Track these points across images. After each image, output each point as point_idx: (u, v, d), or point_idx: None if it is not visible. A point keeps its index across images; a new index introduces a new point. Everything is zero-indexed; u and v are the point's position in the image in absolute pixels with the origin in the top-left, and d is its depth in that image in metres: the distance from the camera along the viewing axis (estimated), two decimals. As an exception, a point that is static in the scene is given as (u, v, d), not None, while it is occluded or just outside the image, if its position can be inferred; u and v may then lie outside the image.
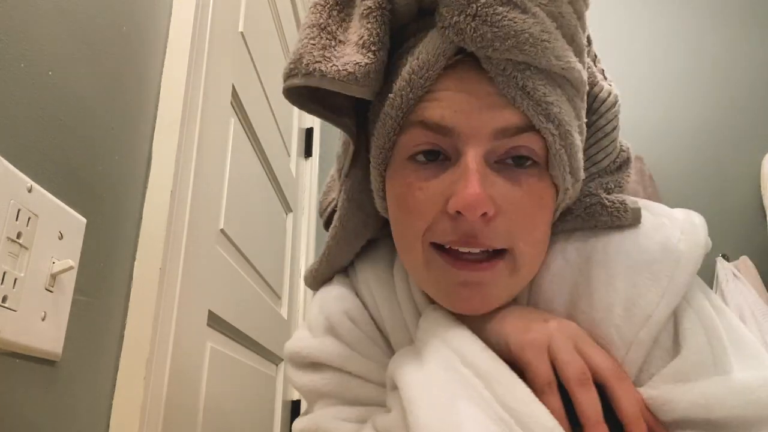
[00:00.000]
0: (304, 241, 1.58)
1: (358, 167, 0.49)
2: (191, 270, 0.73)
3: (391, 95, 0.41)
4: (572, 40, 0.41)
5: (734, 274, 1.45)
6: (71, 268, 0.48)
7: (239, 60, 1.00)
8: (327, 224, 0.59)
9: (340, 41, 0.42)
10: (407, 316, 0.50)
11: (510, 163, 0.41)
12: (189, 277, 0.72)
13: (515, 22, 0.37)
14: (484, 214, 0.38)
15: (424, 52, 0.40)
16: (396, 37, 0.43)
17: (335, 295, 0.53)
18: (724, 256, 1.49)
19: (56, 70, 0.50)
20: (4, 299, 0.41)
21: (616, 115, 0.47)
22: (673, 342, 0.42)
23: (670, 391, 0.39)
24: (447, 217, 0.40)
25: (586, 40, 0.45)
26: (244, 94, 1.02)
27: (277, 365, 1.31)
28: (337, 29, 0.42)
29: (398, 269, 0.52)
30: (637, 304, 0.42)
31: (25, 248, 0.44)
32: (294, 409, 1.40)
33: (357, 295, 0.54)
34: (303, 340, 0.52)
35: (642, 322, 0.41)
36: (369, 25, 0.41)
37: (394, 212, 0.45)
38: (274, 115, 1.29)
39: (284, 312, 1.37)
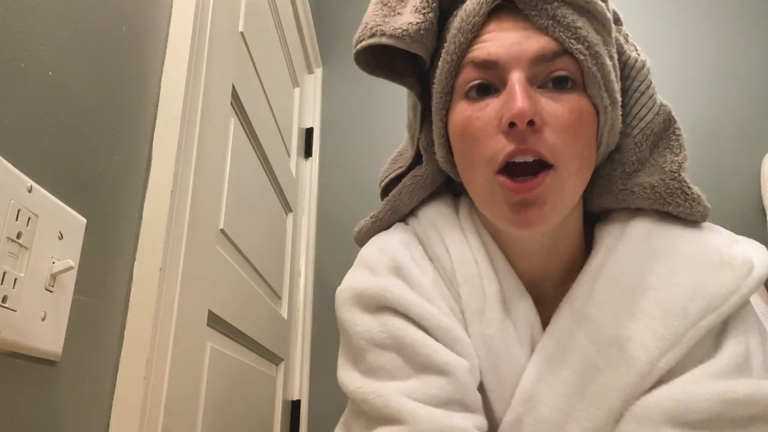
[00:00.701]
0: (304, 241, 1.58)
1: (427, 126, 0.56)
2: (191, 270, 0.73)
3: (445, 44, 0.50)
4: None
5: (734, 274, 1.45)
6: (71, 268, 0.48)
7: (239, 60, 1.00)
8: (384, 191, 0.63)
9: (398, 13, 0.51)
10: (474, 245, 0.54)
11: (551, 86, 0.47)
12: (189, 277, 0.72)
13: None
14: (532, 122, 0.44)
15: (470, 4, 0.48)
16: (444, 9, 0.51)
17: (399, 239, 0.56)
18: (724, 256, 1.48)
19: (56, 70, 0.50)
20: (4, 299, 0.41)
21: (646, 76, 0.53)
22: (713, 342, 0.46)
23: (712, 385, 0.42)
24: (502, 136, 0.46)
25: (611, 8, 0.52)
26: (244, 94, 1.02)
27: (277, 365, 1.31)
28: (396, 5, 0.52)
29: (463, 211, 0.57)
30: (708, 292, 0.46)
31: (25, 248, 0.44)
32: (294, 409, 1.40)
33: (419, 241, 0.57)
34: (364, 280, 0.52)
35: (708, 310, 0.46)
36: None
37: (458, 145, 0.50)
38: (274, 115, 1.29)
39: (284, 312, 1.37)
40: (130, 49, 0.64)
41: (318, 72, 1.82)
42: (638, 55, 0.54)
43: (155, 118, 0.69)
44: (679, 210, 0.52)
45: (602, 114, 0.49)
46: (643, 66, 0.53)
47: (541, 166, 0.46)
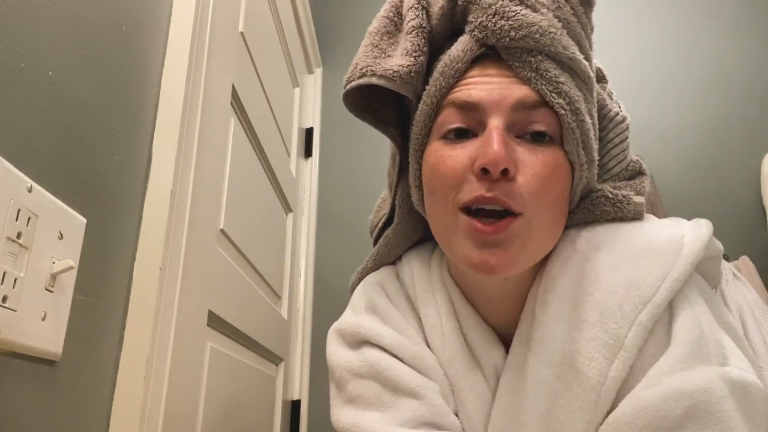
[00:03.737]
0: (304, 241, 1.58)
1: (406, 178, 0.57)
2: (191, 270, 0.73)
3: (427, 86, 0.50)
4: (578, 44, 0.49)
5: (734, 274, 1.44)
6: (71, 268, 0.48)
7: (239, 60, 1.00)
8: (376, 240, 0.65)
9: (388, 55, 0.51)
10: (437, 287, 0.56)
11: (528, 139, 0.47)
12: (189, 277, 0.72)
13: (527, 17, 0.46)
14: (506, 171, 0.43)
15: (455, 50, 0.49)
16: (433, 55, 0.52)
17: (377, 279, 0.60)
18: (724, 256, 1.48)
19: (56, 70, 0.50)
20: (4, 299, 0.41)
21: (623, 130, 0.54)
22: (665, 333, 0.44)
23: (671, 382, 0.41)
24: (474, 178, 0.45)
25: (593, 53, 0.53)
26: (244, 94, 1.02)
27: (277, 365, 1.30)
28: (387, 47, 0.52)
29: (435, 258, 0.59)
30: (639, 285, 0.45)
31: (25, 248, 0.44)
32: (294, 409, 1.40)
33: (398, 277, 0.60)
34: (347, 319, 0.57)
35: (643, 303, 0.44)
36: (411, 39, 0.50)
37: (428, 182, 0.50)
38: (274, 115, 1.29)
39: (284, 312, 1.37)
40: (130, 49, 0.64)
41: (318, 72, 1.83)
42: (619, 110, 0.54)
43: (155, 118, 0.69)
44: (609, 216, 0.51)
45: (578, 171, 0.48)
46: (623, 121, 0.54)
47: (507, 214, 0.45)
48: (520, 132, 0.46)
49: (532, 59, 0.46)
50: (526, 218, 0.45)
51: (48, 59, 0.49)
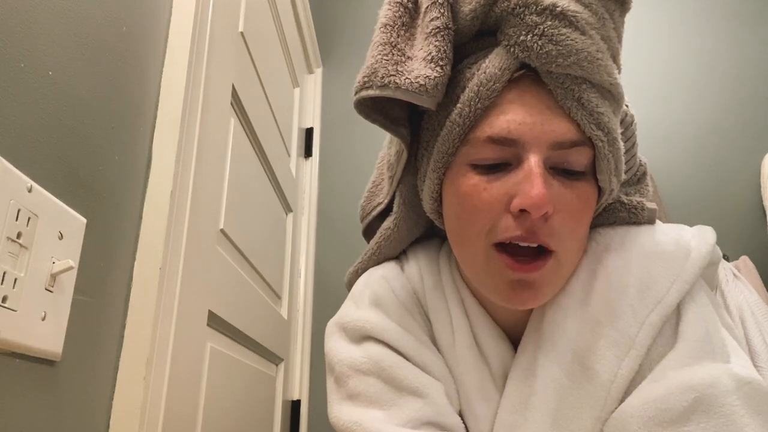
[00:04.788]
0: (304, 241, 1.58)
1: (409, 173, 0.55)
2: (191, 270, 0.73)
3: (459, 105, 0.46)
4: (615, 60, 0.47)
5: (734, 274, 1.45)
6: (71, 268, 0.48)
7: (239, 60, 1.00)
8: (367, 230, 0.63)
9: (408, 57, 0.47)
10: (447, 285, 0.55)
11: (561, 172, 0.45)
12: (189, 277, 0.72)
13: (576, 42, 0.42)
14: (545, 212, 0.42)
15: (491, 66, 0.45)
16: (455, 54, 0.47)
17: (381, 273, 0.57)
18: (724, 256, 1.48)
19: (56, 70, 0.50)
20: (4, 299, 0.41)
21: (633, 133, 0.53)
22: (672, 332, 0.45)
23: (677, 376, 0.42)
24: (509, 216, 0.44)
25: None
26: (244, 94, 1.02)
27: (277, 365, 1.31)
28: (405, 46, 0.47)
29: (443, 256, 0.57)
30: (650, 286, 0.46)
31: (25, 248, 0.44)
32: (294, 409, 1.40)
33: (402, 272, 0.58)
34: (349, 313, 0.55)
35: (654, 303, 0.46)
36: (437, 43, 0.45)
37: (456, 211, 0.48)
38: (274, 115, 1.29)
39: (284, 312, 1.37)
40: (130, 49, 0.64)
41: (318, 72, 1.83)
42: (627, 107, 0.53)
43: (155, 118, 0.69)
44: (624, 222, 0.52)
45: (606, 195, 0.48)
46: (632, 122, 0.53)
47: (541, 249, 0.45)
48: (555, 165, 0.45)
49: (576, 87, 0.43)
50: (559, 254, 0.45)
51: (48, 59, 0.49)
